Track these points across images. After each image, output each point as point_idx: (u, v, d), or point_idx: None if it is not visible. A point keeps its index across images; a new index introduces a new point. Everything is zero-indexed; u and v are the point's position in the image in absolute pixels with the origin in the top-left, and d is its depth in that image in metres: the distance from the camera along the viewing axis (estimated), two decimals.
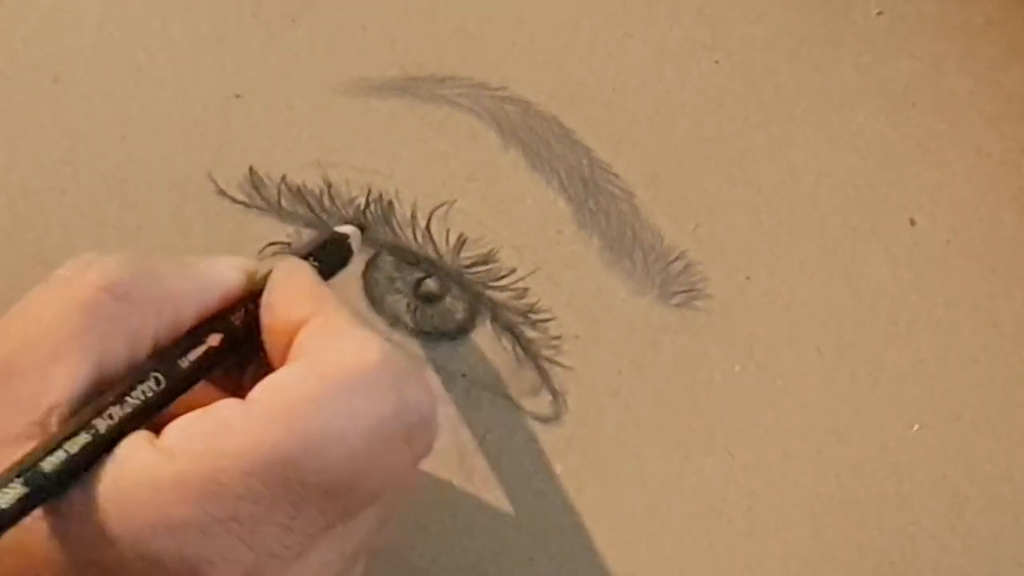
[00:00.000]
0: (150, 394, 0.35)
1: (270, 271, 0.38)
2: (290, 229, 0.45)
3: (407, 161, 0.45)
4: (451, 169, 0.45)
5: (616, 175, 0.45)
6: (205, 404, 0.35)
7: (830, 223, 0.46)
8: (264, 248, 0.45)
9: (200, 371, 0.36)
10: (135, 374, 0.35)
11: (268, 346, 0.37)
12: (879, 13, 0.47)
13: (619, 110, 0.46)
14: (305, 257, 0.40)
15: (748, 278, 0.45)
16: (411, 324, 0.45)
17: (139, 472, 0.33)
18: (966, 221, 0.46)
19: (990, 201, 0.46)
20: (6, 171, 0.45)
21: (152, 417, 0.35)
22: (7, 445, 0.33)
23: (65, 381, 0.34)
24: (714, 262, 0.45)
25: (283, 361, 0.36)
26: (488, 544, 0.44)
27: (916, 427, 0.45)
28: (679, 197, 0.46)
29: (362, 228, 0.44)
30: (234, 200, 0.45)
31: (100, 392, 0.34)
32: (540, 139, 0.45)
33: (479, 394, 0.45)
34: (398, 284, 0.45)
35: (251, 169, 0.45)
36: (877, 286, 0.46)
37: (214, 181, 0.45)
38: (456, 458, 0.45)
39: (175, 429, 0.34)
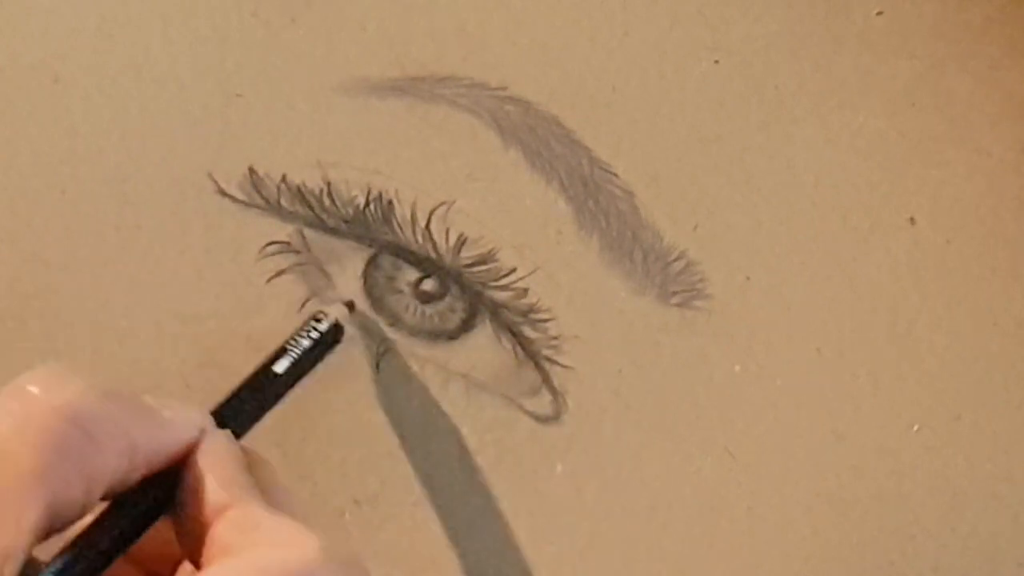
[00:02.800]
0: (94, 559, 0.33)
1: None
2: (290, 228, 0.45)
3: (407, 161, 0.45)
4: (451, 169, 0.45)
5: (616, 175, 0.45)
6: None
7: (830, 223, 0.46)
8: (264, 247, 0.45)
9: (143, 531, 0.35)
10: (81, 537, 0.33)
11: (184, 529, 0.35)
12: (879, 13, 0.47)
13: (619, 110, 0.46)
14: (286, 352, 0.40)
15: (748, 278, 0.45)
16: (411, 324, 0.45)
17: None
18: (966, 221, 0.46)
19: (990, 201, 0.46)
20: (6, 171, 0.45)
21: None
22: None
23: (17, 525, 0.31)
24: (714, 262, 0.45)
25: (197, 547, 0.34)
26: (488, 544, 0.44)
27: (916, 427, 0.45)
28: (679, 197, 0.46)
29: (350, 306, 0.44)
30: (234, 199, 0.45)
31: (47, 536, 0.32)
32: (540, 139, 0.45)
33: (479, 394, 0.45)
34: (398, 284, 0.45)
35: (251, 168, 0.45)
36: (877, 286, 0.46)
37: (214, 180, 0.45)
38: (456, 458, 0.45)
39: None
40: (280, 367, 0.41)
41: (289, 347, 0.41)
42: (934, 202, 0.46)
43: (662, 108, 0.46)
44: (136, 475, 0.34)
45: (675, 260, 0.45)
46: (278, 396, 0.41)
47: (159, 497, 0.35)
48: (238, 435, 0.38)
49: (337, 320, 0.43)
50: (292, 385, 0.41)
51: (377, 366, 0.45)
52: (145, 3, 0.46)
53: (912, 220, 0.46)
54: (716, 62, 0.46)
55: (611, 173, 0.45)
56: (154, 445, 0.34)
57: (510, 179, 0.45)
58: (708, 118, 0.46)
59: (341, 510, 0.44)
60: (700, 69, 0.46)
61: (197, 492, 0.35)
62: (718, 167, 0.46)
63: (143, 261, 0.45)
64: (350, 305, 0.44)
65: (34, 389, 0.33)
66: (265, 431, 0.44)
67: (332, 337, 0.43)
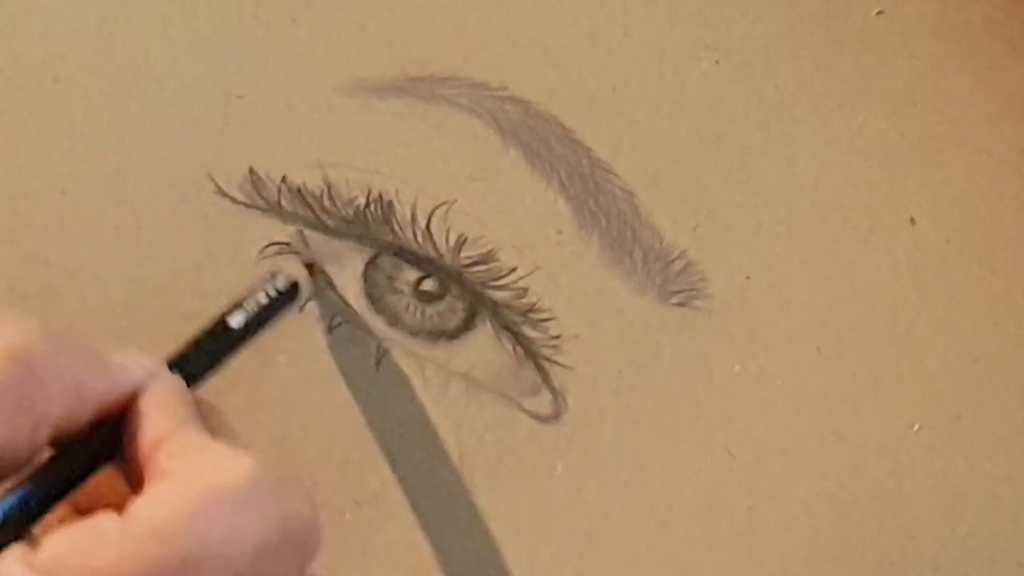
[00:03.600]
0: (37, 501, 0.33)
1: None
2: (290, 229, 0.45)
3: (407, 161, 0.45)
4: (451, 169, 0.45)
5: (616, 175, 0.45)
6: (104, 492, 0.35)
7: (830, 223, 0.46)
8: (264, 248, 0.45)
9: (89, 475, 0.35)
10: (26, 479, 0.33)
11: (130, 470, 0.35)
12: (879, 13, 0.47)
13: (619, 110, 0.46)
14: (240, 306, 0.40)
15: (748, 278, 0.45)
16: (411, 324, 0.45)
17: None
18: (966, 221, 0.46)
19: (990, 201, 0.46)
20: (6, 171, 0.45)
21: (39, 519, 0.34)
22: None
23: None
24: (714, 262, 0.45)
25: (140, 480, 0.34)
26: (488, 544, 0.44)
27: (916, 427, 0.45)
28: (679, 197, 0.46)
29: (310, 267, 0.44)
30: (234, 200, 0.45)
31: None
32: (540, 139, 0.45)
33: (479, 394, 0.45)
34: (398, 284, 0.45)
35: (251, 169, 0.45)
36: (877, 286, 0.46)
37: (214, 181, 0.45)
38: (456, 458, 0.45)
39: (52, 545, 0.31)
40: (235, 321, 0.41)
41: (244, 302, 0.41)
42: (934, 202, 0.46)
43: (662, 108, 0.46)
44: (84, 417, 0.34)
45: (675, 260, 0.45)
46: (230, 350, 0.40)
47: (106, 441, 0.35)
48: (189, 386, 0.38)
49: (294, 279, 0.43)
50: (245, 340, 0.41)
51: (377, 366, 0.45)
52: (145, 3, 0.46)
53: (912, 220, 0.46)
54: (716, 62, 0.46)
55: (611, 173, 0.45)
56: (101, 385, 0.35)
57: (510, 179, 0.45)
58: (708, 118, 0.46)
59: (341, 510, 0.44)
60: (700, 69, 0.46)
61: (140, 427, 0.35)
62: (718, 167, 0.46)
63: (143, 261, 0.45)
64: (309, 266, 0.44)
65: None
66: (265, 431, 0.44)
67: (288, 295, 0.42)
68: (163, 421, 0.35)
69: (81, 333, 0.35)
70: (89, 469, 0.35)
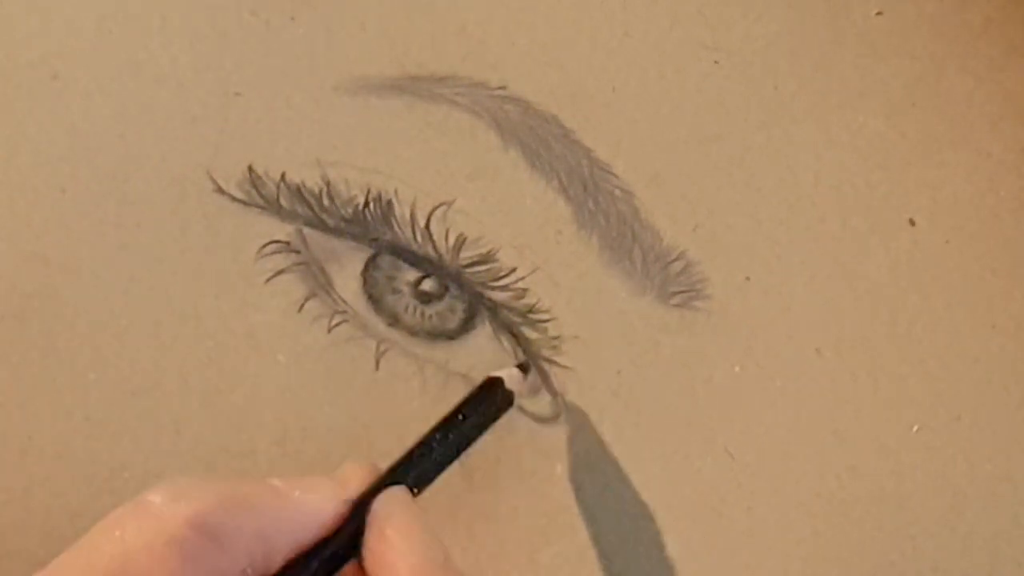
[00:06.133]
0: None
1: (368, 500, 0.38)
2: (289, 228, 0.45)
3: (407, 160, 0.45)
4: (451, 169, 0.45)
5: (616, 175, 0.45)
6: None
7: (830, 223, 0.46)
8: (264, 247, 0.45)
9: None
10: None
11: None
12: (879, 13, 0.47)
13: (619, 110, 0.46)
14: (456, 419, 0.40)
15: (748, 278, 0.45)
16: (411, 324, 0.45)
17: None
18: (966, 221, 0.46)
19: (990, 201, 0.46)
20: (5, 169, 0.45)
21: None
22: None
23: None
24: (714, 262, 0.45)
25: None
26: (489, 544, 0.44)
27: (916, 427, 0.45)
28: (679, 197, 0.46)
29: (524, 368, 0.44)
30: (233, 198, 0.45)
31: None
32: (540, 139, 0.45)
33: None
34: (397, 284, 0.45)
35: (250, 167, 0.45)
36: (877, 286, 0.46)
37: (213, 179, 0.45)
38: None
39: None
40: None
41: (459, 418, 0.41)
42: (934, 202, 0.46)
43: (662, 108, 0.46)
44: (278, 559, 0.35)
45: (675, 260, 0.45)
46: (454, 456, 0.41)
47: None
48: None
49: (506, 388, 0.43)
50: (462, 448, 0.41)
51: (377, 366, 0.45)
52: (144, 1, 0.46)
53: (912, 221, 0.46)
54: (716, 62, 0.46)
55: (611, 173, 0.45)
56: (288, 530, 0.36)
57: (510, 179, 0.45)
58: (708, 118, 0.46)
59: None
60: (700, 69, 0.46)
61: (388, 556, 0.36)
62: (718, 167, 0.46)
63: (143, 261, 0.45)
64: (522, 367, 0.44)
65: (158, 500, 0.34)
66: (265, 431, 0.44)
67: (502, 403, 0.43)
68: (409, 552, 0.36)
69: (263, 474, 0.37)
70: None
